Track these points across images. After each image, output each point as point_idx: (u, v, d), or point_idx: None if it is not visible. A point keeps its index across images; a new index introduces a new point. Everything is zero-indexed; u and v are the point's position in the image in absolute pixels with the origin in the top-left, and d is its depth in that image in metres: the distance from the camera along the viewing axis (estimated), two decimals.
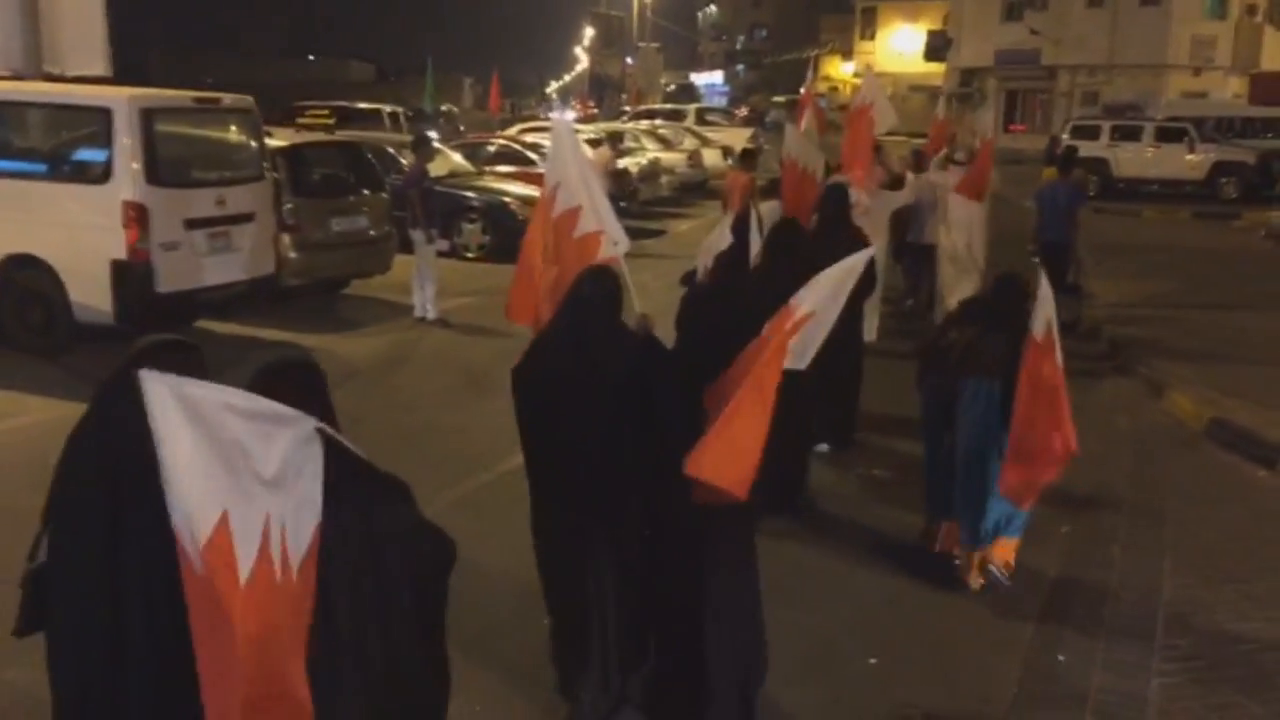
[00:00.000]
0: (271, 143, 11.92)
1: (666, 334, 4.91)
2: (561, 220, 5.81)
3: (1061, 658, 5.46)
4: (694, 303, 6.09)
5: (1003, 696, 5.14)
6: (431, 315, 12.38)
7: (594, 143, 19.43)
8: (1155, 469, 8.34)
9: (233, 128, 11.33)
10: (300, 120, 25.28)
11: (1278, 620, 5.88)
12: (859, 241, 7.69)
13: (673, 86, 64.23)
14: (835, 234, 7.93)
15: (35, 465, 7.39)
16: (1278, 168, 27.34)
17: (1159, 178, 28.73)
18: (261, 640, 2.80)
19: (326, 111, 28.02)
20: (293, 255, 11.88)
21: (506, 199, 16.87)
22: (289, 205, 11.94)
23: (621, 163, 20.56)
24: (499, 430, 8.29)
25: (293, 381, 3.25)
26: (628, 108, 45.71)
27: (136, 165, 9.69)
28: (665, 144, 26.72)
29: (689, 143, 28.22)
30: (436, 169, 14.81)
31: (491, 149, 21.01)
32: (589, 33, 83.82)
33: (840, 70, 69.91)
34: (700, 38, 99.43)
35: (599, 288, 4.71)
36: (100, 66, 13.72)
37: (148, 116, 9.86)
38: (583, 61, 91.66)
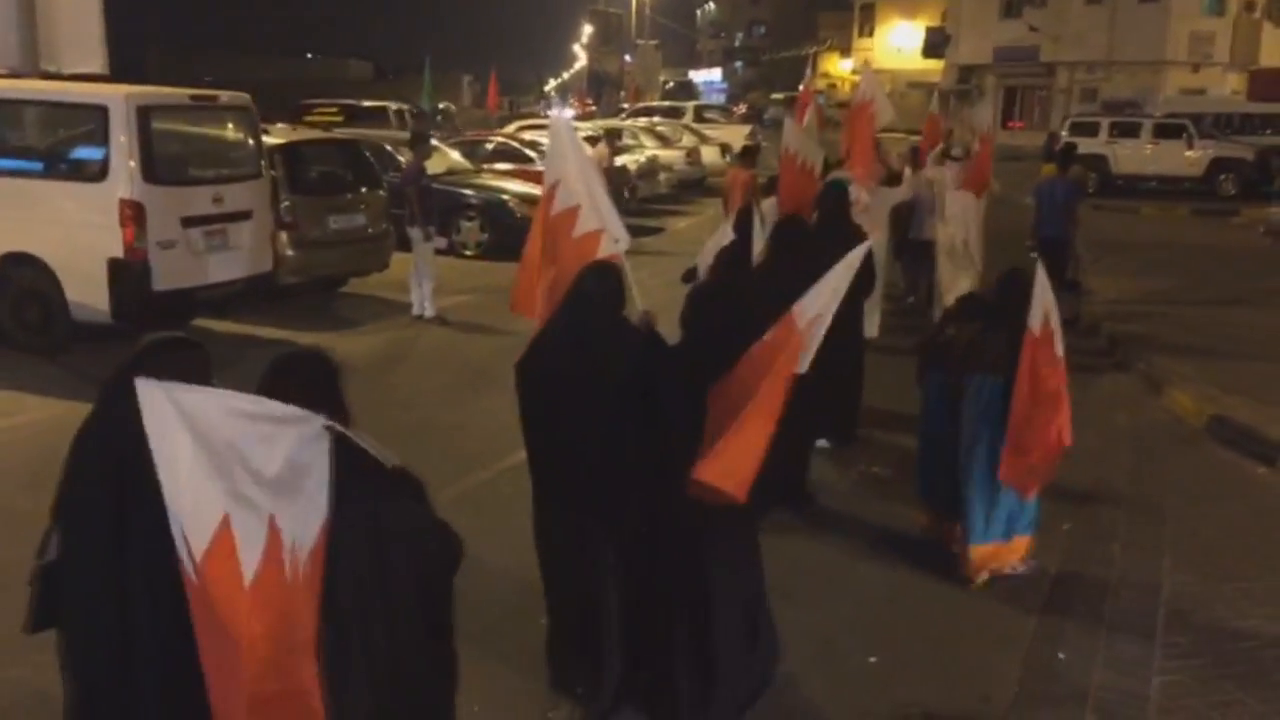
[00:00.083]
0: (269, 140, 11.90)
1: (667, 330, 4.89)
2: (560, 219, 5.77)
3: (1062, 655, 5.44)
4: (698, 300, 6.09)
5: (1003, 695, 5.12)
6: (429, 313, 12.35)
7: (592, 140, 19.40)
8: (1155, 466, 8.32)
9: (230, 125, 11.31)
10: (309, 118, 25.53)
11: (1278, 618, 5.86)
12: (858, 238, 7.67)
13: (671, 84, 64.15)
14: (834, 231, 7.90)
15: (32, 465, 7.43)
16: (1276, 164, 27.29)
17: (1158, 174, 28.73)
18: (270, 639, 2.81)
19: (335, 109, 28.29)
20: (290, 253, 11.86)
21: (505, 196, 16.85)
22: (286, 203, 11.92)
23: (620, 160, 20.53)
24: (497, 428, 8.29)
25: (301, 376, 3.26)
26: (626, 105, 45.66)
27: (133, 163, 9.67)
28: (664, 141, 26.70)
29: (687, 140, 28.18)
30: (434, 166, 14.78)
31: (489, 146, 20.99)
32: (587, 30, 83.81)
33: (839, 67, 69.89)
34: (699, 35, 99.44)
35: (601, 284, 4.70)
36: (97, 64, 13.68)
37: (144, 114, 9.83)
38: (581, 59, 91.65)
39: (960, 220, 12.27)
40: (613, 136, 20.25)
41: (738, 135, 30.40)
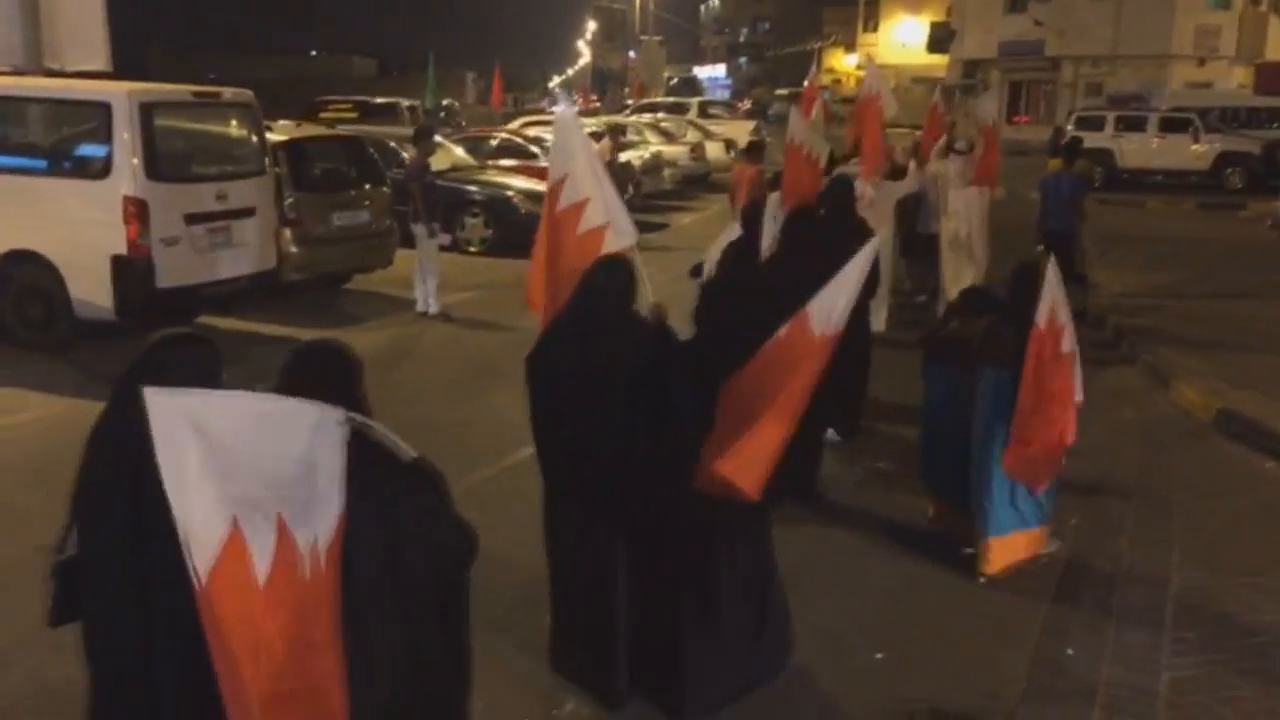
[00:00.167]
0: (272, 137, 11.88)
1: (676, 325, 4.88)
2: (566, 215, 5.74)
3: (1070, 651, 5.41)
4: (709, 295, 6.08)
5: (1011, 690, 5.08)
6: (434, 310, 12.33)
7: (595, 136, 19.36)
8: (1163, 460, 8.28)
9: (233, 122, 11.29)
10: (323, 114, 25.90)
11: None
12: (864, 232, 7.66)
13: (675, 80, 64.11)
14: (841, 225, 7.88)
15: (35, 462, 7.43)
16: None
17: (1164, 168, 28.65)
18: (285, 638, 2.82)
19: (348, 105, 28.60)
20: (294, 250, 11.85)
21: (509, 193, 16.83)
22: (290, 200, 11.91)
23: (624, 156, 20.49)
24: (502, 424, 8.28)
25: (320, 369, 3.28)
26: (630, 101, 45.61)
27: (136, 160, 9.65)
28: (668, 137, 26.65)
29: (691, 136, 28.13)
30: (438, 163, 14.77)
31: (494, 143, 20.97)
32: (591, 27, 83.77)
33: (843, 63, 69.79)
34: (703, 31, 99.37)
35: (613, 278, 4.70)
36: (100, 62, 13.68)
37: (147, 111, 9.82)
38: (585, 56, 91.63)
39: (963, 215, 12.27)
40: (616, 132, 20.22)
41: (742, 131, 30.35)
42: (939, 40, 54.68)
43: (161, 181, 9.85)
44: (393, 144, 16.58)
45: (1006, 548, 6.16)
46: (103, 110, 9.78)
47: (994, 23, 49.44)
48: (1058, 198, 12.56)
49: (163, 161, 9.94)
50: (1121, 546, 6.63)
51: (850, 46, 68.60)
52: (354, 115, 26.86)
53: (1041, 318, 5.73)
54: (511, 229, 15.99)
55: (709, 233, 13.97)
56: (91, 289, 9.82)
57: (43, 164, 10.27)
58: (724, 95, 64.15)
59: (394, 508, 3.13)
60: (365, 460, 2.98)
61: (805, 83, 17.92)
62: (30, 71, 12.10)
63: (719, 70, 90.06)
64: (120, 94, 9.86)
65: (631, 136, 24.04)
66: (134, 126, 9.67)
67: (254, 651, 2.79)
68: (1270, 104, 31.36)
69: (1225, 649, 5.42)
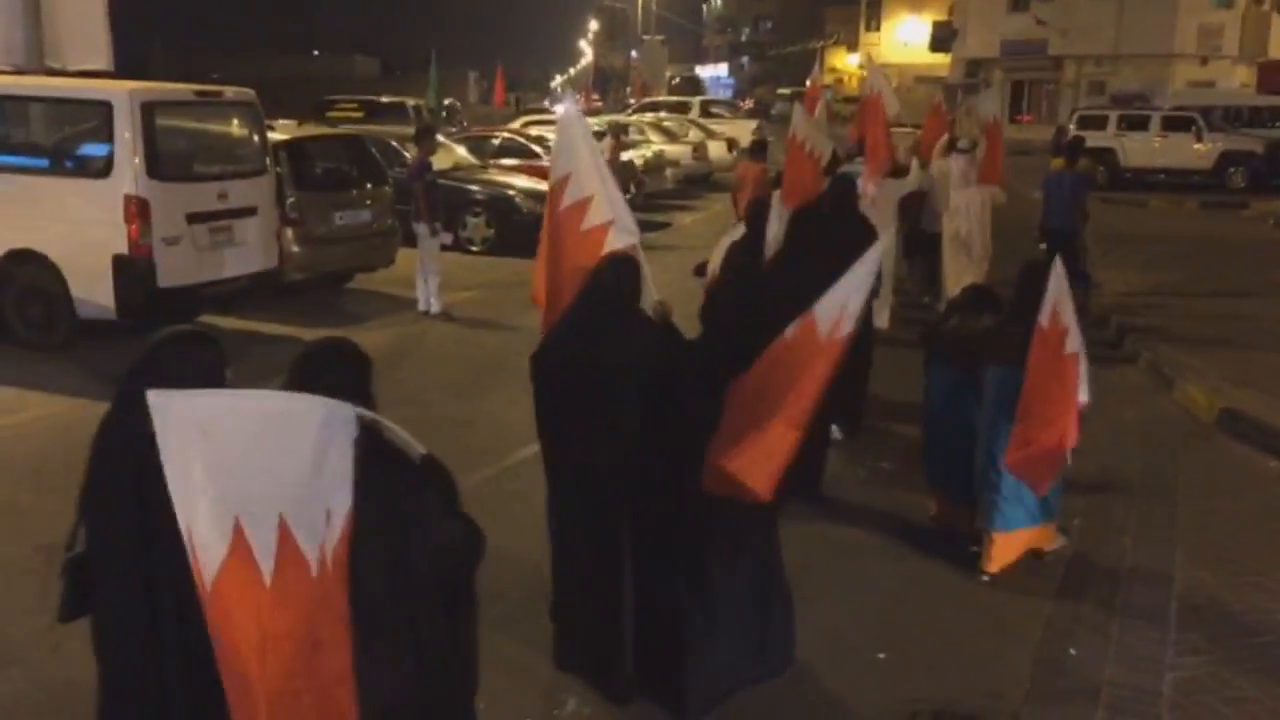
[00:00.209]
0: (274, 136, 11.87)
1: (681, 324, 4.88)
2: (569, 213, 5.71)
3: (1073, 651, 5.39)
4: (714, 294, 6.09)
5: (1014, 691, 5.06)
6: (435, 309, 12.32)
7: (598, 135, 19.35)
8: (1166, 460, 8.26)
9: (234, 121, 11.27)
10: (330, 114, 26.14)
11: None
12: (866, 230, 7.65)
13: (678, 80, 64.05)
14: (843, 223, 7.86)
15: (34, 461, 7.42)
16: None
17: (1166, 167, 28.58)
18: (293, 637, 2.81)
19: (356, 105, 28.77)
20: (296, 249, 11.84)
21: (511, 192, 16.81)
22: (292, 199, 11.88)
23: (626, 155, 20.47)
24: (503, 424, 8.27)
25: (330, 366, 3.29)
26: (632, 100, 45.61)
27: (137, 159, 9.64)
28: (670, 136, 26.63)
29: (694, 135, 28.11)
30: (440, 162, 14.75)
31: (496, 142, 20.96)
32: (594, 26, 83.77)
33: (846, 62, 69.76)
34: (705, 30, 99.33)
35: (620, 276, 4.71)
36: (102, 61, 13.67)
37: (148, 110, 9.81)
38: (588, 55, 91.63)
39: (963, 213, 12.25)
40: (618, 131, 20.20)
41: (744, 130, 30.31)
42: (941, 39, 54.64)
43: (163, 181, 9.83)
44: (395, 143, 16.57)
45: (1012, 544, 6.16)
46: (104, 109, 9.77)
47: (996, 22, 49.40)
48: (1060, 196, 12.56)
49: (164, 161, 9.93)
50: (1125, 546, 6.62)
51: (852, 46, 68.56)
52: (361, 115, 26.96)
53: (1044, 317, 5.72)
54: (513, 228, 15.98)
55: (711, 232, 13.97)
56: (93, 288, 9.81)
57: (44, 163, 10.26)
58: (727, 95, 64.10)
59: (401, 507, 3.12)
60: (374, 459, 2.97)
61: (808, 82, 17.91)
62: (31, 70, 12.09)
63: (721, 70, 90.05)
64: (121, 93, 9.84)
65: (634, 136, 24.02)
66: (135, 126, 9.66)
67: (260, 651, 2.79)
68: (1273, 103, 31.29)
69: (1230, 649, 5.41)
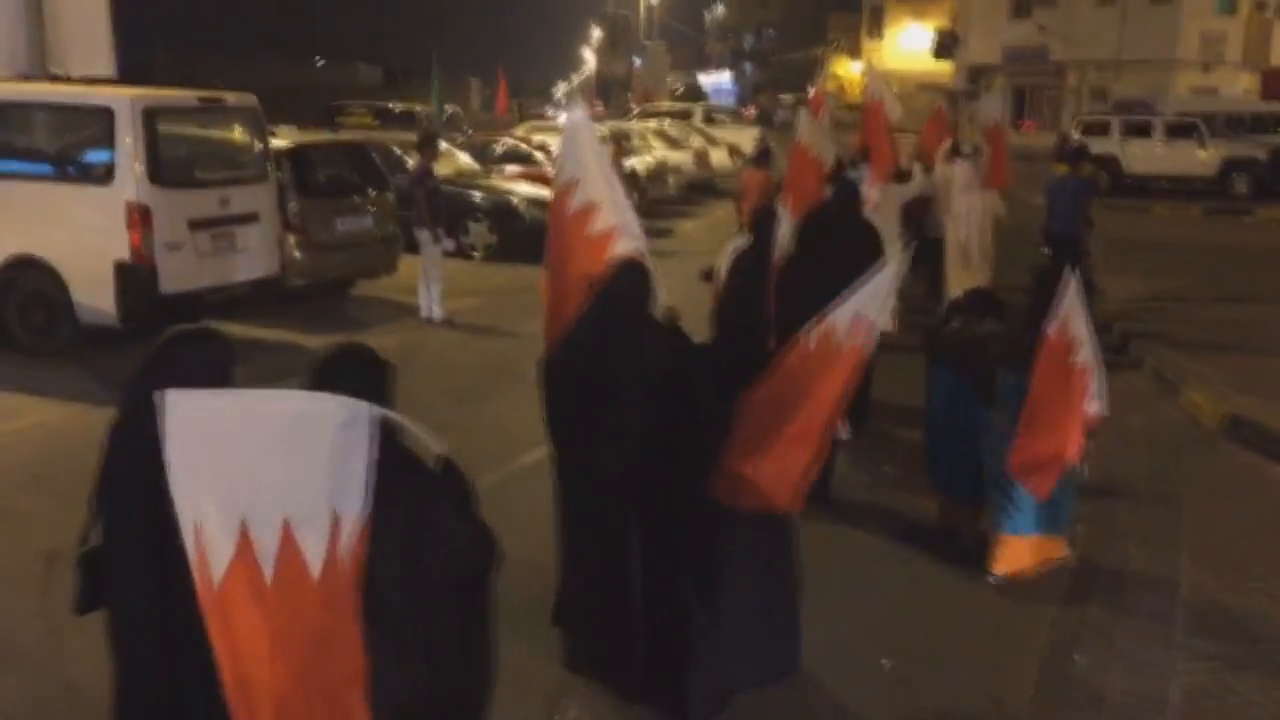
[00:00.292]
0: (276, 143, 11.86)
1: (687, 328, 4.87)
2: (575, 218, 5.66)
3: (1078, 657, 5.36)
4: (725, 301, 6.09)
5: (1018, 698, 5.04)
6: (438, 316, 12.30)
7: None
8: (1171, 466, 8.22)
9: (236, 127, 11.26)
10: (341, 120, 26.81)
11: None
12: (870, 234, 7.63)
13: (681, 88, 64.04)
14: (847, 227, 7.85)
15: (36, 467, 7.40)
16: None
17: (1170, 174, 28.56)
18: (300, 639, 2.82)
19: (366, 111, 29.38)
20: (298, 256, 11.83)
21: (513, 199, 16.80)
22: (294, 205, 11.87)
23: (628, 162, 20.45)
24: (506, 430, 8.24)
25: (345, 371, 3.32)
26: (634, 107, 45.59)
27: (139, 166, 9.64)
28: (672, 143, 26.62)
29: (696, 142, 28.10)
30: (443, 169, 14.75)
31: (498, 149, 20.97)
32: (596, 33, 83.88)
33: (848, 69, 69.76)
34: (707, 38, 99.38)
35: (630, 281, 4.70)
36: (105, 67, 13.69)
37: (150, 116, 9.81)
38: (589, 62, 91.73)
39: (964, 219, 12.23)
40: (620, 138, 20.19)
41: (746, 137, 30.30)
42: (945, 46, 54.66)
43: (165, 187, 9.83)
44: (397, 150, 16.57)
45: (1020, 547, 6.12)
46: (106, 115, 9.76)
47: (998, 28, 49.45)
48: (1064, 202, 12.54)
49: (166, 167, 9.93)
50: (1130, 551, 6.59)
51: (855, 53, 68.56)
52: (372, 122, 27.16)
53: (1053, 328, 5.70)
54: (516, 235, 15.98)
55: (714, 239, 13.94)
56: (95, 294, 9.81)
57: (46, 169, 10.26)
58: (729, 102, 64.05)
59: (415, 511, 3.13)
60: (391, 461, 2.97)
61: (811, 89, 17.91)
62: (34, 76, 12.09)
63: (724, 77, 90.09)
64: (123, 99, 9.84)
65: (636, 142, 24.02)
66: (137, 132, 9.66)
67: (267, 653, 2.79)
68: (1276, 110, 31.26)
69: (1236, 655, 5.37)
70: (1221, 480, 7.93)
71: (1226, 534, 6.91)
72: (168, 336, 3.41)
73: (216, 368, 3.35)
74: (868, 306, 4.33)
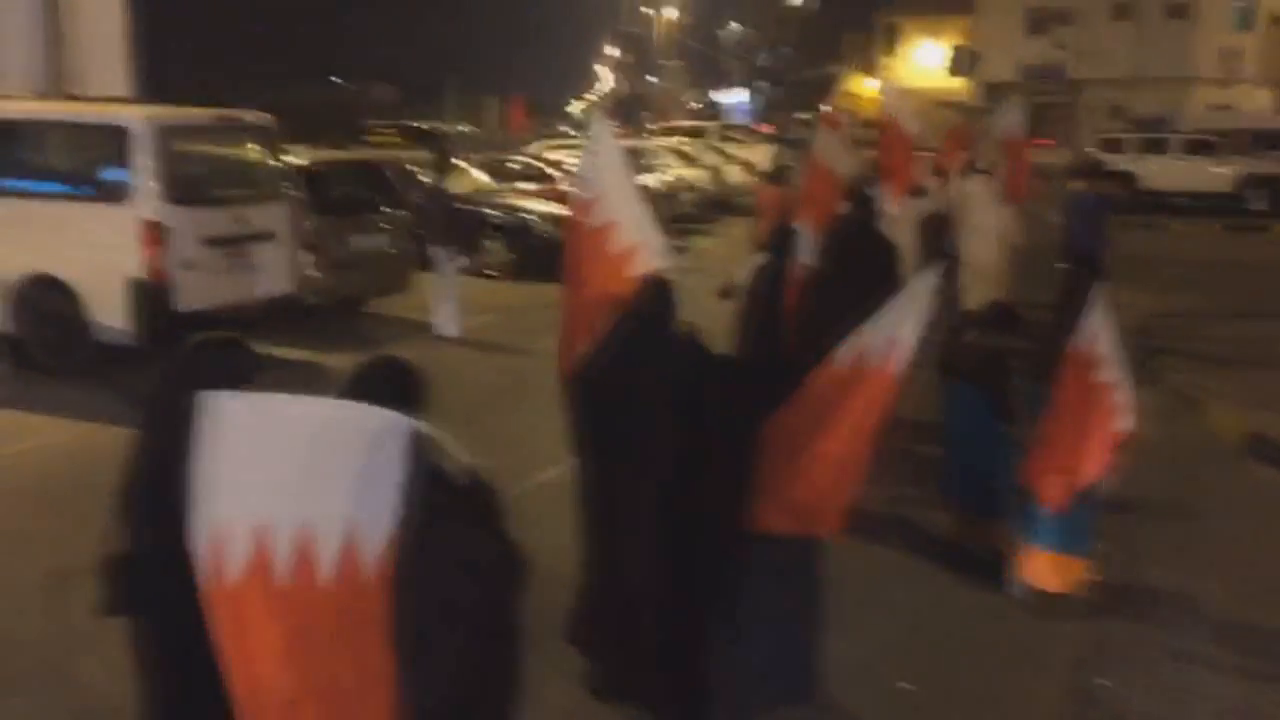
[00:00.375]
0: (291, 161, 11.88)
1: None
2: (596, 235, 5.59)
3: (1103, 681, 5.26)
4: (746, 318, 6.06)
5: None
6: (452, 333, 12.28)
7: None
8: (1193, 484, 8.13)
9: (252, 146, 11.28)
10: (368, 137, 27.51)
11: None
12: (887, 248, 7.60)
13: (698, 105, 64.17)
14: (863, 241, 7.83)
15: (49, 486, 7.38)
16: None
17: (1188, 190, 28.42)
18: (312, 645, 2.80)
19: (394, 130, 29.83)
20: (313, 273, 11.82)
21: (529, 217, 16.80)
22: (309, 224, 11.87)
23: (645, 180, 20.44)
24: (520, 447, 8.19)
25: (380, 383, 3.36)
26: (651, 126, 45.68)
27: (155, 184, 9.65)
28: (688, 161, 26.63)
29: (711, 160, 28.10)
30: (459, 186, 14.76)
31: (514, 166, 21.01)
32: (612, 52, 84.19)
33: (864, 87, 69.76)
34: (723, 56, 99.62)
35: (656, 297, 4.68)
36: (122, 87, 13.78)
37: (165, 135, 9.83)
38: (604, 81, 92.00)
39: (981, 233, 12.16)
40: (637, 156, 20.21)
41: (762, 155, 30.30)
42: (963, 64, 54.52)
43: (180, 205, 9.83)
44: (414, 168, 16.59)
45: (1043, 564, 6.02)
46: (122, 135, 9.78)
47: (1014, 46, 49.42)
48: (1080, 218, 12.49)
49: (181, 185, 9.93)
50: (1152, 571, 6.49)
51: (871, 71, 68.58)
52: (400, 140, 27.46)
53: (1080, 342, 5.65)
54: (531, 252, 15.95)
55: (730, 256, 13.91)
56: (110, 312, 9.81)
57: (61, 188, 10.28)
58: (746, 120, 64.11)
59: (443, 525, 3.10)
60: (421, 474, 2.95)
61: (827, 107, 17.90)
62: (51, 96, 12.16)
63: (741, 95, 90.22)
64: (139, 118, 9.87)
65: (652, 160, 24.03)
66: (153, 151, 9.67)
67: (279, 659, 2.77)
68: None
69: (1266, 677, 5.28)
70: (1246, 498, 7.83)
71: (1249, 551, 6.81)
72: (193, 344, 3.44)
73: (240, 375, 3.36)
74: (902, 327, 4.25)
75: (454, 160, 14.03)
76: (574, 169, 19.16)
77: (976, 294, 11.77)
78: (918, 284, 4.41)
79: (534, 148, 26.68)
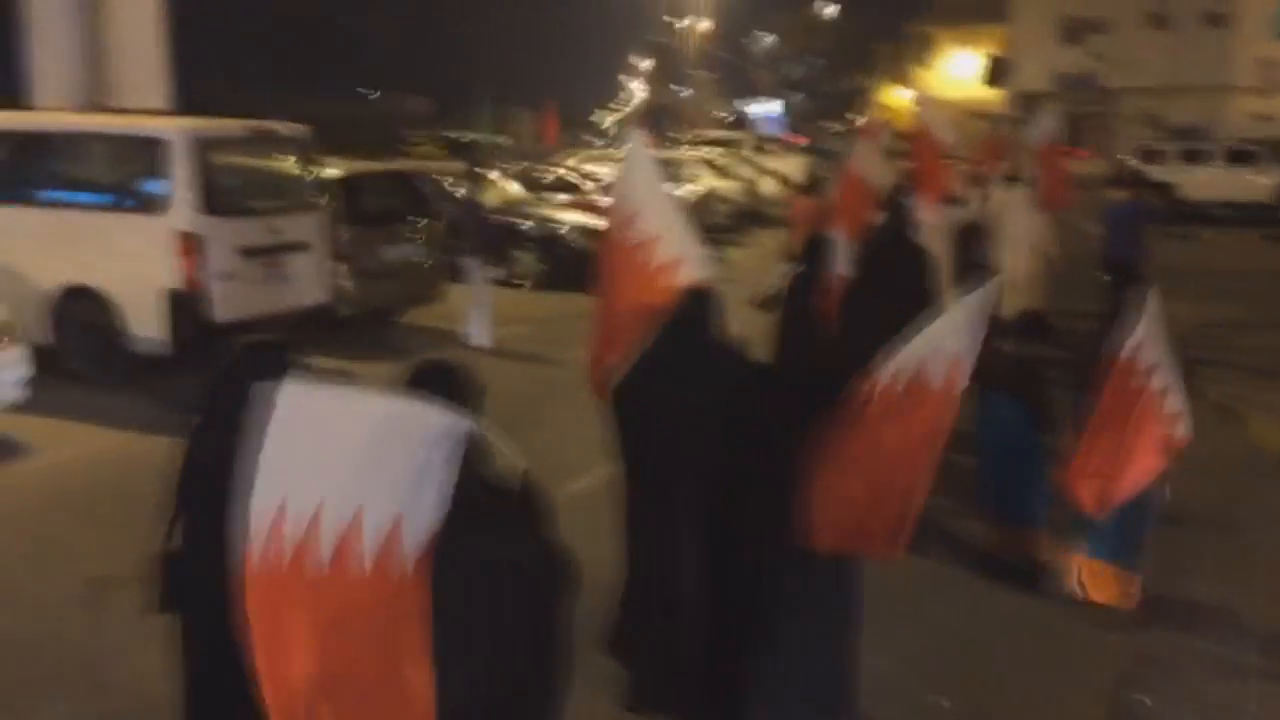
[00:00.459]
0: (325, 172, 11.95)
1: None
2: (635, 251, 5.56)
3: (1147, 700, 5.16)
4: (785, 330, 6.03)
5: None
6: (485, 343, 12.30)
7: None
8: (1238, 497, 8.00)
9: (287, 157, 11.36)
10: (407, 147, 28.65)
11: None
12: (922, 256, 7.55)
13: (731, 117, 64.12)
14: (898, 250, 7.77)
15: (88, 495, 7.43)
16: None
17: (1227, 200, 28.11)
18: (347, 634, 2.80)
19: (436, 141, 31.50)
20: (346, 284, 11.88)
21: (561, 228, 16.83)
22: (343, 234, 11.94)
23: (677, 192, 20.42)
24: (552, 457, 8.14)
25: (439, 385, 3.36)
26: (682, 137, 45.69)
27: (190, 195, 9.73)
28: (721, 172, 26.59)
29: (744, 171, 28.05)
30: (492, 198, 14.81)
31: (548, 178, 21.06)
32: (643, 64, 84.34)
33: (897, 98, 69.53)
34: (754, 67, 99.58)
35: (699, 307, 4.68)
36: (160, 100, 13.90)
37: (202, 147, 9.92)
38: (633, 92, 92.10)
39: (1015, 243, 12.09)
40: (668, 167, 20.19)
41: (795, 166, 30.22)
42: (998, 74, 54.22)
43: (216, 216, 9.91)
44: (448, 180, 16.65)
45: (1100, 576, 5.94)
46: (159, 147, 9.88)
47: (1049, 55, 49.15)
48: (1120, 228, 12.40)
49: (217, 196, 10.01)
50: (1200, 589, 6.37)
51: (903, 81, 68.35)
52: (439, 151, 27.80)
53: (1126, 350, 5.56)
54: (563, 263, 15.97)
55: (763, 267, 13.87)
56: (147, 323, 9.89)
57: (99, 200, 10.40)
58: (779, 131, 64.04)
59: (487, 526, 3.12)
60: (473, 474, 2.98)
61: (858, 118, 17.85)
62: (91, 109, 12.28)
63: (774, 107, 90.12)
64: (176, 130, 9.96)
65: (685, 172, 24.01)
66: (190, 163, 9.77)
67: (318, 647, 2.78)
68: None
69: None
70: None
71: None
72: (243, 345, 3.57)
73: (283, 375, 3.39)
74: (960, 342, 4.11)
75: (483, 171, 14.04)
76: (605, 179, 19.22)
77: (1010, 303, 11.69)
78: (971, 299, 4.26)
79: (569, 159, 26.73)
